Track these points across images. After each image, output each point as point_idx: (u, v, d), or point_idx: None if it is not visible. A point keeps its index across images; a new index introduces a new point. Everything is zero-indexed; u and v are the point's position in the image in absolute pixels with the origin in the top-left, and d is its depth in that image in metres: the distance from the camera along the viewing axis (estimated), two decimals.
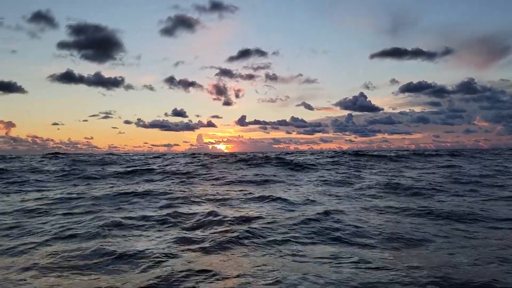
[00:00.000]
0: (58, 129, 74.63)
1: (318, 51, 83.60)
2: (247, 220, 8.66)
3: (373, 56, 70.93)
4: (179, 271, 5.22)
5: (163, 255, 6.04)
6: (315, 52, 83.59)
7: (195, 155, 49.99)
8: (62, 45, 70.12)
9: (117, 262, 5.77)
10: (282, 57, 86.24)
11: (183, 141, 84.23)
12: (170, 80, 67.60)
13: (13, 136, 60.87)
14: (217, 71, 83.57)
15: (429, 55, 69.32)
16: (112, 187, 16.19)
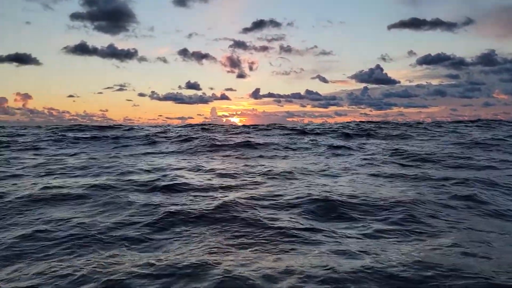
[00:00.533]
0: (74, 101, 75.28)
1: (334, 21, 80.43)
2: (230, 187, 8.05)
3: (390, 27, 67.95)
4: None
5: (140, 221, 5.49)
6: (331, 23, 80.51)
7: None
8: (75, 16, 68.45)
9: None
10: (297, 28, 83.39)
11: (197, 114, 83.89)
12: (184, 52, 66.42)
13: (30, 108, 61.28)
14: (231, 42, 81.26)
15: (449, 26, 65.92)
16: (101, 150, 15.70)
